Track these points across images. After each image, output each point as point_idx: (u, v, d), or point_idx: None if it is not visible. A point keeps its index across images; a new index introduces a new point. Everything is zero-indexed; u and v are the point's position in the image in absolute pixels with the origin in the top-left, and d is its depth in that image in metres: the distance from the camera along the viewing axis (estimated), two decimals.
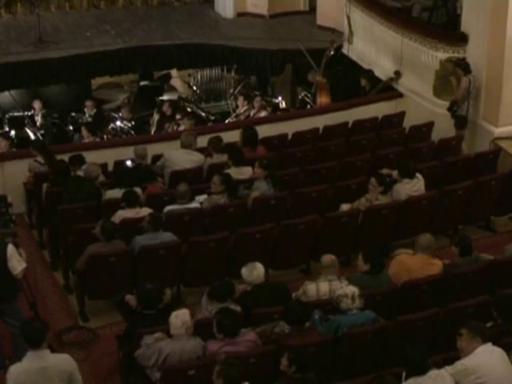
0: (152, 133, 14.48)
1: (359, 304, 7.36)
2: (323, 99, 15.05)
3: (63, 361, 6.56)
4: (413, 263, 8.43)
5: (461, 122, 12.07)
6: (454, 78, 12.63)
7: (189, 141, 11.15)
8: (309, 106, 15.63)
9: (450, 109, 12.36)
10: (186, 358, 6.98)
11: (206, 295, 7.73)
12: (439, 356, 6.89)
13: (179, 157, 11.01)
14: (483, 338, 6.66)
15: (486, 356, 6.62)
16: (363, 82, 14.58)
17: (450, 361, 6.74)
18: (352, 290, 7.40)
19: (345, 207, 10.06)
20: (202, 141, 11.60)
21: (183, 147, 11.13)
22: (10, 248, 7.72)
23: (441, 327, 7.62)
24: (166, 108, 14.71)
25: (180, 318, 7.10)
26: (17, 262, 7.73)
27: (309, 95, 15.75)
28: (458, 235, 9.01)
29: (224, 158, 10.93)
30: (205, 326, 7.23)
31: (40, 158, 10.99)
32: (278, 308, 7.53)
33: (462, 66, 12.36)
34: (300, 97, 16.09)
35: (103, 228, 8.83)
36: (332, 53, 15.37)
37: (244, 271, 7.92)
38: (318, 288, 7.97)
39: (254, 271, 7.90)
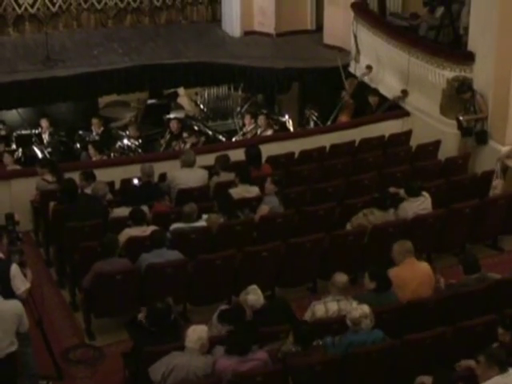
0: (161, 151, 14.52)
1: (373, 322, 7.37)
2: (344, 118, 15.10)
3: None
4: (404, 272, 8.48)
5: (482, 136, 12.09)
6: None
7: (190, 159, 11.15)
8: (312, 124, 15.67)
9: (459, 127, 12.36)
10: (193, 374, 6.96)
11: (217, 317, 7.70)
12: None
13: (183, 176, 11.01)
14: (501, 367, 6.57)
15: None
16: (371, 100, 14.62)
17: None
18: (368, 308, 7.37)
19: (350, 225, 10.07)
20: (209, 159, 11.63)
21: (185, 166, 11.11)
22: (14, 268, 7.70)
23: (448, 346, 7.57)
24: (173, 125, 14.75)
25: (197, 332, 7.12)
26: (20, 282, 7.71)
27: (315, 113, 15.77)
28: (465, 253, 8.98)
29: (231, 176, 10.95)
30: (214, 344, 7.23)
31: (48, 176, 11.01)
32: (284, 327, 7.50)
33: (465, 89, 12.43)
34: (307, 114, 16.12)
35: (102, 244, 8.87)
36: (366, 78, 15.37)
37: (251, 297, 7.77)
38: (327, 308, 7.95)
39: (258, 293, 7.83)
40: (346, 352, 7.23)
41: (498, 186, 11.09)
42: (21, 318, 7.42)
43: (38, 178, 11.12)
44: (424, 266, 8.73)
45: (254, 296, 7.80)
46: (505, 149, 11.88)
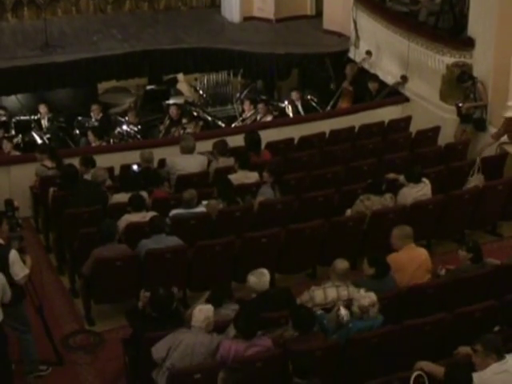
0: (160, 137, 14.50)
1: (376, 313, 7.40)
2: (344, 105, 15.10)
3: None
4: (403, 258, 8.53)
5: (480, 124, 12.11)
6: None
7: (190, 145, 11.15)
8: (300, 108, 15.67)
9: (459, 113, 12.37)
10: (197, 350, 7.02)
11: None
12: (445, 361, 6.86)
13: (182, 162, 11.02)
14: (498, 355, 6.58)
15: (495, 375, 6.54)
16: (370, 86, 14.61)
17: None
18: (374, 297, 7.37)
19: (350, 212, 10.08)
20: (208, 145, 11.62)
21: (185, 152, 11.11)
22: (13, 254, 7.67)
23: (447, 332, 7.59)
24: (172, 111, 14.73)
25: (204, 312, 7.17)
26: (19, 268, 7.68)
27: (314, 99, 15.75)
28: (471, 241, 8.95)
29: (229, 161, 10.96)
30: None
31: (47, 162, 11.01)
32: (283, 313, 7.53)
33: (466, 78, 12.43)
34: (306, 98, 16.11)
35: (100, 230, 8.89)
36: (366, 65, 15.36)
37: (253, 279, 7.82)
38: (326, 294, 7.95)
39: (263, 278, 7.86)
40: (347, 337, 7.25)
41: (476, 181, 10.78)
42: (4, 286, 7.41)
43: (37, 164, 11.11)
44: (422, 252, 8.77)
45: (255, 279, 7.82)
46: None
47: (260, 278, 7.84)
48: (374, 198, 9.95)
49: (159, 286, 7.61)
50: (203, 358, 7.06)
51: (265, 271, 7.92)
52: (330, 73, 15.79)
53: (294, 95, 15.24)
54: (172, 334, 7.14)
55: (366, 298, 7.37)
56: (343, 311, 7.41)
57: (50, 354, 8.25)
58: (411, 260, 8.56)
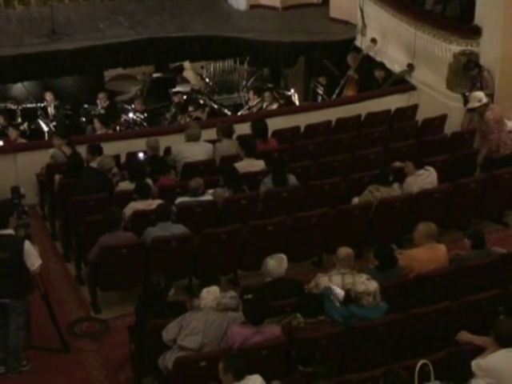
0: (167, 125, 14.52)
1: (378, 300, 7.38)
2: (350, 93, 15.11)
3: None
4: (422, 256, 8.43)
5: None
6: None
7: (195, 133, 11.16)
8: (320, 98, 15.66)
9: (465, 102, 12.35)
10: (210, 330, 7.06)
11: None
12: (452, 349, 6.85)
13: (188, 150, 11.02)
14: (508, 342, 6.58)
15: (502, 360, 6.54)
16: (377, 74, 14.58)
17: None
18: (374, 286, 7.35)
19: (356, 201, 10.09)
20: (214, 133, 11.63)
21: (190, 140, 11.11)
22: (27, 245, 7.71)
23: (453, 320, 7.59)
24: (179, 99, 14.75)
25: (212, 293, 7.25)
26: (34, 258, 7.74)
27: (321, 86, 15.76)
28: (472, 228, 8.98)
29: (233, 143, 11.01)
30: None
31: (65, 148, 10.98)
32: (290, 300, 7.54)
33: (472, 66, 12.40)
34: (312, 85, 16.10)
35: (105, 217, 8.90)
36: (371, 53, 15.35)
37: (272, 263, 7.80)
38: (331, 281, 7.94)
39: (282, 263, 7.86)
40: (347, 323, 7.25)
41: None
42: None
43: (55, 149, 11.07)
44: (442, 251, 8.60)
45: (274, 262, 7.81)
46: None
47: (280, 263, 7.84)
48: (383, 189, 9.95)
49: (155, 274, 7.65)
50: (215, 336, 7.09)
51: (284, 257, 7.92)
52: (333, 71, 15.77)
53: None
54: (182, 316, 7.19)
55: (362, 285, 7.36)
56: (338, 290, 7.50)
57: (56, 341, 8.27)
58: (431, 258, 8.44)
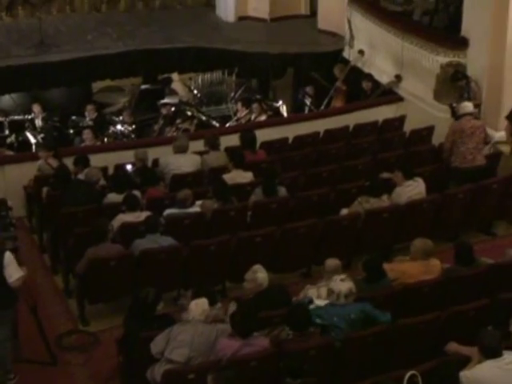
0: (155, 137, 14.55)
1: (351, 300, 7.41)
2: (338, 104, 15.19)
3: None
4: (415, 271, 8.43)
5: None
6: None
7: (183, 145, 11.20)
8: (308, 109, 15.72)
9: (453, 113, 12.38)
10: (197, 342, 7.07)
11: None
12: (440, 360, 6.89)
13: (176, 161, 11.05)
14: (495, 352, 6.59)
15: (489, 372, 6.55)
16: (365, 85, 14.65)
17: None
18: (347, 287, 7.40)
19: (345, 212, 10.09)
20: (202, 145, 11.66)
21: (178, 152, 11.14)
22: (8, 255, 7.59)
23: (442, 330, 7.62)
24: (167, 111, 14.78)
25: (200, 305, 7.24)
26: (14, 270, 7.58)
27: (309, 97, 15.84)
28: (458, 242, 8.98)
29: (220, 154, 11.09)
30: None
31: (51, 161, 11.02)
32: (279, 312, 7.54)
33: (460, 76, 12.47)
34: (300, 96, 16.17)
35: (92, 229, 8.91)
36: (359, 64, 15.44)
37: (261, 275, 7.85)
38: (319, 293, 7.97)
39: (265, 272, 7.92)
40: (331, 323, 7.30)
41: None
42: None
43: (41, 161, 11.14)
44: (436, 266, 8.58)
45: (263, 274, 7.86)
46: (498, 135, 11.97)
47: (264, 272, 7.89)
48: (373, 200, 9.97)
49: (145, 287, 7.65)
50: (203, 349, 7.09)
51: (259, 265, 7.96)
52: (322, 82, 15.87)
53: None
54: (170, 328, 7.20)
55: (340, 285, 7.42)
56: (310, 292, 7.73)
57: (44, 354, 8.23)
58: (424, 274, 8.42)
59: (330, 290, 7.46)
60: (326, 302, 7.57)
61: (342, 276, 7.60)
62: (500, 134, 11.91)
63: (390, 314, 7.54)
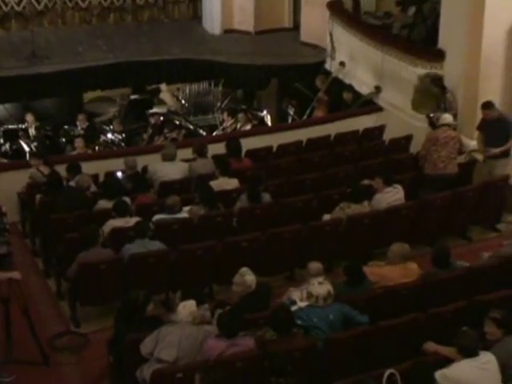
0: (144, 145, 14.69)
1: (330, 302, 7.60)
2: (320, 114, 15.30)
3: None
4: (395, 274, 8.59)
5: None
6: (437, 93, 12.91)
7: (171, 153, 11.35)
8: (290, 118, 15.92)
9: (430, 123, 12.50)
10: (185, 343, 7.17)
11: None
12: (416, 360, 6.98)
13: (164, 169, 11.18)
14: (471, 351, 6.77)
15: (466, 370, 6.70)
16: (345, 96, 14.85)
17: None
18: (325, 289, 7.57)
19: (328, 218, 10.25)
20: (189, 153, 11.83)
21: (166, 160, 11.29)
22: None
23: (420, 332, 7.69)
24: (155, 120, 15.00)
25: (188, 307, 7.33)
26: None
27: (292, 108, 16.06)
28: (436, 246, 9.18)
29: (207, 161, 11.25)
30: None
31: (43, 168, 11.22)
32: (263, 314, 7.70)
33: (437, 81, 12.69)
34: (283, 107, 16.39)
35: (82, 235, 9.04)
36: (340, 75, 15.63)
37: (250, 278, 7.95)
38: (303, 295, 8.07)
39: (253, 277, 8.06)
40: (311, 324, 7.49)
41: None
42: None
43: (32, 169, 11.33)
44: (414, 270, 8.75)
45: (250, 276, 7.97)
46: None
47: (252, 274, 8.00)
48: (355, 206, 10.11)
49: (135, 289, 7.78)
50: (190, 349, 7.17)
51: (246, 268, 8.09)
52: (305, 92, 16.13)
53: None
54: (159, 329, 7.26)
55: (318, 288, 7.61)
56: (293, 294, 7.91)
57: (36, 354, 8.29)
58: (403, 278, 8.58)
59: (310, 293, 7.64)
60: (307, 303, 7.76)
61: (320, 279, 7.75)
62: (475, 143, 12.01)
63: (367, 316, 7.70)
